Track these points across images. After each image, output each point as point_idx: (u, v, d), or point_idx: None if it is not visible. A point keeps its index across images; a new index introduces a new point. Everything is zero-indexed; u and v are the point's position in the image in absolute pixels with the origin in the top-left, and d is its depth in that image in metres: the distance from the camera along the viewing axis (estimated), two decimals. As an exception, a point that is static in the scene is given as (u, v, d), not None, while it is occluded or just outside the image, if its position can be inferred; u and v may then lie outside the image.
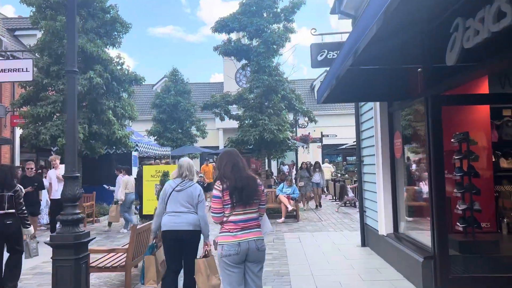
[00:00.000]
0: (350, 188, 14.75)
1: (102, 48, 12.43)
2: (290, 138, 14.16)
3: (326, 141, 27.20)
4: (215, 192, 3.58)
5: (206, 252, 4.62)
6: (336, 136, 27.56)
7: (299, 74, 60.34)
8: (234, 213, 3.52)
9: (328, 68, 5.96)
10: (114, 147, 13.34)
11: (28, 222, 5.71)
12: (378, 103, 6.73)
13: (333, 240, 8.91)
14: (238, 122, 14.41)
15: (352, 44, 3.40)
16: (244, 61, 13.91)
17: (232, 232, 3.49)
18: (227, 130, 27.85)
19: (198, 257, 4.62)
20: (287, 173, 19.43)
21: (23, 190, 6.13)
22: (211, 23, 77.78)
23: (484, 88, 6.03)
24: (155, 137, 26.53)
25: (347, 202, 14.97)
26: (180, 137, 26.41)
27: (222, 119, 15.07)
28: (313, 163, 19.24)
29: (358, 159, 7.96)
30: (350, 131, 30.84)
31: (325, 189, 19.00)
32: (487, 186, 6.31)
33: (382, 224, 6.70)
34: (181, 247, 4.59)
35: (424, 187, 5.50)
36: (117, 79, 12.73)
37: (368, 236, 7.72)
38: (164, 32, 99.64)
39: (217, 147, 27.23)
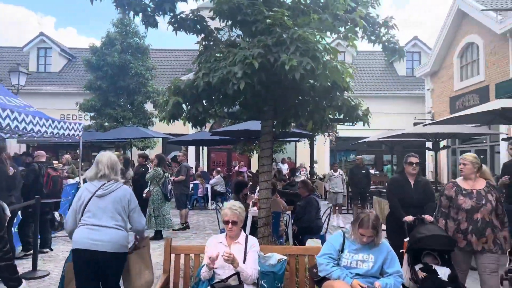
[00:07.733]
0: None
1: None
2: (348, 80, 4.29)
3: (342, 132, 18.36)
4: None
5: (137, 243, 3.65)
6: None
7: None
8: None
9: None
10: None
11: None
12: None
13: None
14: (201, 38, 5.04)
15: None
16: None
17: None
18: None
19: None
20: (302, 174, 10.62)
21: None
22: None
23: None
24: (91, 115, 17.65)
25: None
26: (129, 116, 17.45)
27: (151, 25, 4.70)
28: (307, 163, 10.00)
29: None
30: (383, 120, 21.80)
31: None
32: None
33: None
34: (99, 271, 3.35)
35: None
36: None
37: None
38: None
39: (185, 134, 17.32)
